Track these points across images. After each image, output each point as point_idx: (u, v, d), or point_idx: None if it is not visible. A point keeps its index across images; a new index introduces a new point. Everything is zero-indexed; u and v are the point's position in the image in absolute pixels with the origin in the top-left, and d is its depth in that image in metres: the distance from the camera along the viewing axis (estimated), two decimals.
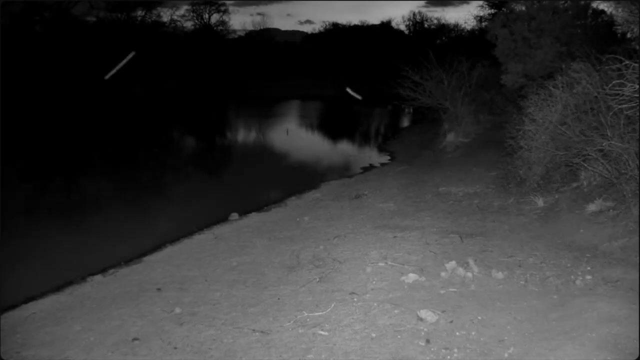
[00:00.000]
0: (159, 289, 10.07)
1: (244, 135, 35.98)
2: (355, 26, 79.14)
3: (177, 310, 9.05)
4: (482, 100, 24.18)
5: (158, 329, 8.55)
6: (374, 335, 7.34)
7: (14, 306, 10.24)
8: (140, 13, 64.90)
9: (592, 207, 11.25)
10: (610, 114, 11.18)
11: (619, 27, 13.96)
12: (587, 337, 6.50)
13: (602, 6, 24.65)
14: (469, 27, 70.04)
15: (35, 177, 21.16)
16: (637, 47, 10.70)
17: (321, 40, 77.74)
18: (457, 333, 7.16)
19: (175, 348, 7.82)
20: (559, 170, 13.51)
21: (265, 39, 78.31)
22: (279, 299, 8.94)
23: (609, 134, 11.12)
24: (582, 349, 6.27)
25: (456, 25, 75.82)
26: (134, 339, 8.31)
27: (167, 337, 8.21)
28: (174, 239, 13.01)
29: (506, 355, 6.55)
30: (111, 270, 11.50)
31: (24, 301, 10.37)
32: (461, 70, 23.82)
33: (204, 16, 74.89)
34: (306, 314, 8.14)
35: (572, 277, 8.58)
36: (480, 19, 63.74)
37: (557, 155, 12.87)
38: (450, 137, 22.60)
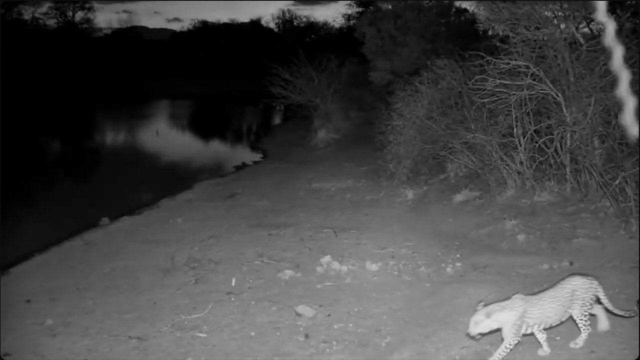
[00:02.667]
0: (28, 301, 9.56)
1: (113, 137, 34.92)
2: (225, 24, 78.51)
3: (49, 321, 8.62)
4: (351, 97, 24.62)
5: (30, 342, 8.12)
6: (253, 333, 7.27)
7: None
8: None
9: (459, 197, 11.69)
10: (474, 108, 11.64)
11: (480, 25, 14.58)
12: (459, 322, 6.69)
13: (465, 5, 25.71)
14: (337, 26, 70.97)
15: None
16: (498, 44, 11.15)
17: (191, 38, 76.52)
18: (335, 326, 7.22)
19: None
20: (427, 163, 13.97)
21: (132, 37, 76.20)
22: (155, 303, 8.70)
23: (472, 127, 11.57)
24: (455, 334, 6.46)
25: (325, 24, 76.66)
26: (5, 355, 7.86)
27: (40, 351, 7.81)
28: (42, 247, 12.39)
29: (384, 344, 6.66)
30: None
31: None
32: (330, 68, 24.17)
33: (68, 14, 71.92)
34: (183, 317, 7.96)
35: (443, 265, 8.86)
36: (348, 17, 64.89)
37: (424, 148, 13.30)
38: (322, 133, 22.86)
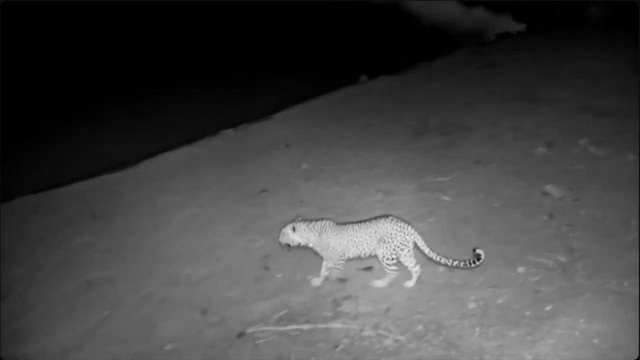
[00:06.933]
0: (287, 145, 10.38)
1: None
2: None
3: (305, 166, 9.35)
4: None
5: (285, 182, 8.91)
6: (496, 205, 7.35)
7: (150, 155, 11.04)
8: None
9: None
10: None
11: None
12: None
13: None
14: None
15: None
16: None
17: None
18: (582, 211, 7.04)
19: (301, 201, 8.16)
20: None
21: None
22: (403, 162, 9.02)
23: None
24: None
25: None
26: (262, 191, 8.71)
27: (294, 191, 8.56)
28: (304, 98, 13.20)
29: (630, 238, 6.39)
30: (242, 126, 11.89)
31: (161, 150, 11.03)
32: None
33: None
34: (430, 179, 8.21)
35: None
36: None
37: None
38: (594, 9, 21.25)
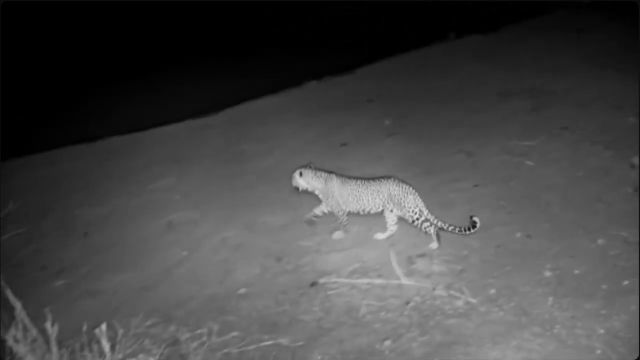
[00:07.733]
0: (369, 100, 10.35)
1: None
2: None
3: (386, 122, 9.33)
4: None
5: (366, 137, 8.94)
6: (580, 174, 7.18)
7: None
8: None
9: None
10: None
11: None
12: None
13: None
14: None
15: None
16: None
17: None
18: None
19: (381, 157, 8.15)
20: None
21: None
22: (487, 123, 8.89)
23: None
24: None
25: None
26: (342, 144, 8.75)
27: (374, 147, 8.59)
28: (388, 54, 13.09)
29: None
30: (325, 78, 11.91)
31: (242, 101, 11.17)
32: None
33: None
34: (514, 142, 8.08)
35: None
36: None
37: None
38: None
